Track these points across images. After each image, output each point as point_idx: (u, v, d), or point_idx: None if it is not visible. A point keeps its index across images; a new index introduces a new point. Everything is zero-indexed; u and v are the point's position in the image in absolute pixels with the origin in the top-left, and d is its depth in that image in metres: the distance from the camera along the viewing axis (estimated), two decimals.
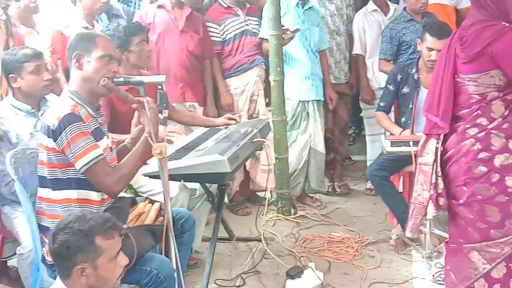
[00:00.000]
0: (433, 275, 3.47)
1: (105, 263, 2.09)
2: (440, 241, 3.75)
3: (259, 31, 4.53)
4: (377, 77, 4.78)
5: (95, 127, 2.65)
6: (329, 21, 4.79)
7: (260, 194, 4.77)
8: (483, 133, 2.59)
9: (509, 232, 2.58)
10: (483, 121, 2.60)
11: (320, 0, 4.76)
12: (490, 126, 2.58)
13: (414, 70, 4.08)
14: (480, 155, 2.59)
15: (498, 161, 2.57)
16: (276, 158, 4.34)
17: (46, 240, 2.57)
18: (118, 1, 4.77)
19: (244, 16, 4.48)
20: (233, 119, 3.76)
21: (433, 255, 3.65)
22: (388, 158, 3.97)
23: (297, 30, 4.35)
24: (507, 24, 2.52)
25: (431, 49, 3.86)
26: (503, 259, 2.60)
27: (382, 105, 4.23)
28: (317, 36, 4.58)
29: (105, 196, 2.67)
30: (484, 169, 2.58)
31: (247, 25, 4.48)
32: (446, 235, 3.70)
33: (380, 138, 4.42)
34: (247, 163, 4.42)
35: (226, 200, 4.46)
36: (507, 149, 2.57)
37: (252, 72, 4.52)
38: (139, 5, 4.86)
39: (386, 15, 4.79)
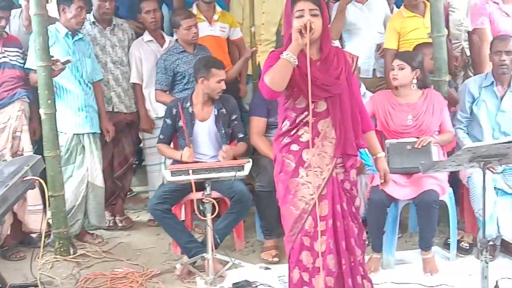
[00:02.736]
0: None
1: None
2: (223, 265, 3.85)
3: (19, 62, 4.28)
4: (155, 106, 4.79)
5: None
6: (111, 51, 4.72)
7: (34, 235, 4.45)
8: None
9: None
10: None
11: (102, 31, 4.69)
12: None
13: (188, 104, 4.20)
14: None
15: None
16: (51, 196, 4.08)
17: None
18: None
19: (0, 48, 4.18)
20: None
21: (216, 280, 3.73)
22: (168, 189, 3.99)
23: (68, 61, 4.19)
24: None
25: (221, 80, 4.10)
26: None
27: (162, 137, 4.30)
28: (89, 67, 4.47)
29: None
30: None
31: (4, 57, 4.21)
32: (228, 259, 3.83)
33: (160, 168, 4.43)
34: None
35: None
36: None
37: (13, 106, 4.23)
38: None
39: (162, 46, 4.84)
